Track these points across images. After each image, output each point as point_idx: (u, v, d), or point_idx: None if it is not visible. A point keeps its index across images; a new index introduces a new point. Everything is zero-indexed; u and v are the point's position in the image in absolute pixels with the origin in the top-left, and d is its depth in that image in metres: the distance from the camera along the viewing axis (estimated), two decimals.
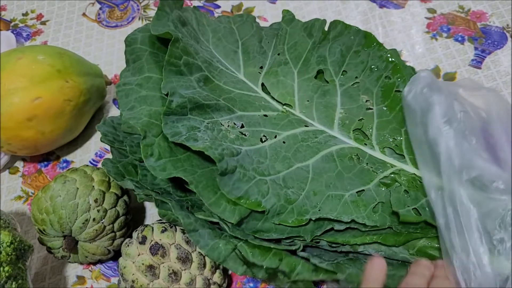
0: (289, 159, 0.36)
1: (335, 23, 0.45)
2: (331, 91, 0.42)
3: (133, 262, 0.34)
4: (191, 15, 0.45)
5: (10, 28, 0.63)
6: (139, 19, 0.61)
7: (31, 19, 0.63)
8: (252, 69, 0.44)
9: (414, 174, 0.37)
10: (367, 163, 0.37)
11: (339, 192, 0.35)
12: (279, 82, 0.42)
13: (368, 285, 0.29)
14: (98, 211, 0.37)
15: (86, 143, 0.51)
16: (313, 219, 0.34)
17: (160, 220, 0.38)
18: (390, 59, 0.42)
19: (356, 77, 0.43)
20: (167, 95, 0.35)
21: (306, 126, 0.39)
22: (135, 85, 0.38)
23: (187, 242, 0.35)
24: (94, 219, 0.37)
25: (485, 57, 0.50)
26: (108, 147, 0.41)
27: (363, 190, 0.36)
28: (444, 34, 0.53)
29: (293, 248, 0.33)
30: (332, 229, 0.34)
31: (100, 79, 0.50)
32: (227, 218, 0.33)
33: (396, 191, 0.36)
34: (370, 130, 0.40)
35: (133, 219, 0.42)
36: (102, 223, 0.37)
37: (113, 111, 0.53)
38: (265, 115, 0.39)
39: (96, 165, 0.49)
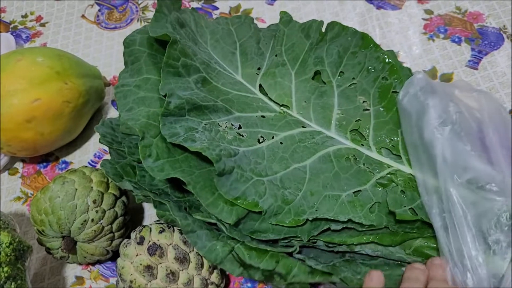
0: (286, 159, 0.37)
1: (332, 24, 0.45)
2: (328, 92, 0.42)
3: (131, 263, 0.35)
4: (189, 17, 0.45)
5: (10, 30, 0.63)
6: (137, 20, 0.61)
7: (31, 21, 0.63)
8: (250, 70, 0.44)
9: (411, 174, 0.37)
10: (364, 164, 0.38)
11: (336, 192, 0.36)
12: (277, 83, 0.43)
13: None
14: (97, 212, 0.37)
15: (85, 144, 0.51)
16: (310, 219, 0.34)
17: (158, 220, 0.38)
18: (387, 60, 0.43)
19: (353, 78, 0.43)
20: (165, 96, 0.35)
21: (303, 127, 0.40)
22: (134, 86, 0.38)
23: (185, 243, 0.36)
24: (92, 220, 0.37)
25: (482, 58, 0.50)
26: (107, 148, 0.41)
27: (360, 190, 0.36)
28: (441, 35, 0.53)
29: (290, 250, 0.33)
30: (329, 229, 0.35)
31: (99, 80, 0.50)
32: (224, 219, 0.33)
33: (393, 191, 0.36)
34: (367, 131, 0.40)
35: (131, 219, 0.42)
36: (101, 223, 0.37)
37: (112, 113, 0.53)
38: (263, 116, 0.39)
39: (95, 166, 0.49)
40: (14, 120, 0.42)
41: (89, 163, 0.50)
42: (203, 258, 0.36)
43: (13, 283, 0.33)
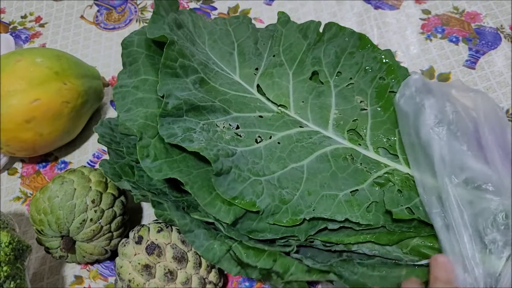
0: (283, 159, 0.37)
1: (329, 25, 0.45)
2: (325, 92, 0.43)
3: (130, 262, 0.35)
4: (187, 18, 0.45)
5: (9, 30, 0.63)
6: (136, 21, 0.61)
7: (30, 21, 0.64)
8: (247, 70, 0.44)
9: (408, 174, 0.37)
10: (361, 163, 0.38)
11: (333, 192, 0.36)
12: (274, 84, 0.43)
13: None
14: (95, 211, 0.37)
15: (84, 144, 0.51)
16: (307, 218, 0.34)
17: (156, 220, 0.38)
18: (384, 60, 0.43)
19: (351, 78, 0.43)
20: (163, 97, 0.36)
21: (301, 127, 0.40)
22: (132, 87, 0.38)
23: (183, 242, 0.36)
24: (91, 220, 0.37)
25: (479, 57, 0.50)
26: (106, 148, 0.41)
27: (357, 190, 0.36)
28: (439, 35, 0.53)
29: (287, 250, 0.33)
30: (326, 228, 0.35)
31: (97, 81, 0.50)
32: (222, 218, 0.33)
33: (390, 190, 0.36)
34: (364, 131, 0.40)
35: (130, 219, 0.42)
36: (99, 223, 0.38)
37: (111, 113, 0.53)
38: (260, 116, 0.40)
39: (94, 166, 0.49)
40: (14, 121, 0.42)
41: (88, 163, 0.50)
42: (201, 257, 0.36)
43: (12, 283, 0.33)
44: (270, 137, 0.38)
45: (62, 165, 0.50)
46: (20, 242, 0.36)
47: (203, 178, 0.34)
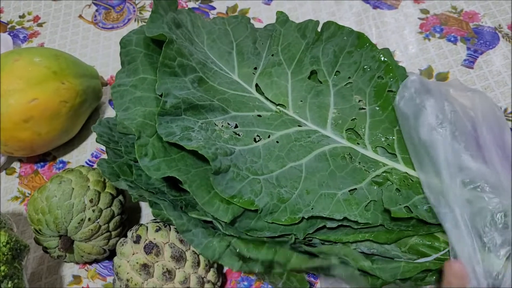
0: (282, 158, 0.37)
1: (328, 24, 0.45)
2: (324, 91, 0.43)
3: (128, 261, 0.35)
4: (186, 17, 0.45)
5: (7, 30, 0.63)
6: (135, 20, 0.61)
7: (28, 21, 0.63)
8: (246, 70, 0.44)
9: (406, 173, 0.37)
10: (359, 162, 0.38)
11: (331, 191, 0.36)
12: (273, 83, 0.43)
13: None
14: (94, 211, 0.37)
15: (82, 144, 0.51)
16: (306, 217, 0.34)
17: (154, 219, 0.38)
18: (382, 59, 0.43)
19: (349, 77, 0.43)
20: (161, 96, 0.36)
21: (299, 126, 0.40)
22: (130, 86, 0.38)
23: (181, 241, 0.36)
24: (89, 219, 0.37)
25: (477, 57, 0.51)
26: (104, 148, 0.41)
27: (356, 188, 0.36)
28: (437, 35, 0.53)
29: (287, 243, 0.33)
30: (324, 227, 0.35)
31: (96, 80, 0.50)
32: (220, 217, 0.33)
33: (388, 189, 0.36)
34: (363, 130, 0.40)
35: (128, 218, 0.42)
36: (98, 222, 0.37)
37: (109, 112, 0.53)
38: (259, 115, 0.40)
39: (92, 166, 0.49)
40: (12, 120, 0.42)
41: (86, 162, 0.50)
42: (199, 256, 0.36)
43: (10, 282, 0.33)
44: (269, 136, 0.38)
45: (60, 165, 0.50)
46: (18, 241, 0.36)
47: (202, 176, 0.34)
